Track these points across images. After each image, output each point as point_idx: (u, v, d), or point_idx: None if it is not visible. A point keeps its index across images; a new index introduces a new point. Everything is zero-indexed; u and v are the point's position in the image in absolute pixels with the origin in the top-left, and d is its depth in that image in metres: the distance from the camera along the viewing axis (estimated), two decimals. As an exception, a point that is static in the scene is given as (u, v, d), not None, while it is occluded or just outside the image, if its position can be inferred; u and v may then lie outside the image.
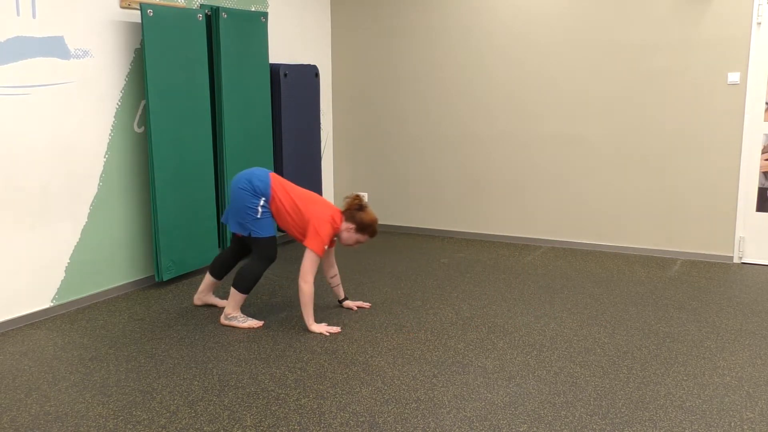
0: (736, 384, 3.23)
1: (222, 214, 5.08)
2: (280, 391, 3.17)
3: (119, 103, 4.56)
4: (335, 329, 3.91)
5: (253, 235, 3.93)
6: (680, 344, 3.72)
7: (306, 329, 3.91)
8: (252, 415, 2.96)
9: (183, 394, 3.16)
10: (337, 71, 6.61)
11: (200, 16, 4.83)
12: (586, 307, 4.33)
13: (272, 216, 3.97)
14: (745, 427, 2.84)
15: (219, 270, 4.27)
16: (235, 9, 5.17)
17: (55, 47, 4.13)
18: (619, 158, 5.59)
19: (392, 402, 3.07)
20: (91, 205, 4.43)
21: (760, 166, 5.16)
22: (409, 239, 6.25)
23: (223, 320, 4.04)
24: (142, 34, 4.45)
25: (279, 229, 4.15)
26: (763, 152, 5.14)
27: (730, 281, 4.87)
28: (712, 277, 4.95)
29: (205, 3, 5.08)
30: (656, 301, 4.43)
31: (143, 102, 4.69)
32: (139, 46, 4.64)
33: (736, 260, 5.33)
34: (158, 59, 4.54)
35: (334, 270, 4.23)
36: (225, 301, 4.27)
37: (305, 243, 3.84)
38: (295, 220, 3.90)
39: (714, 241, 5.38)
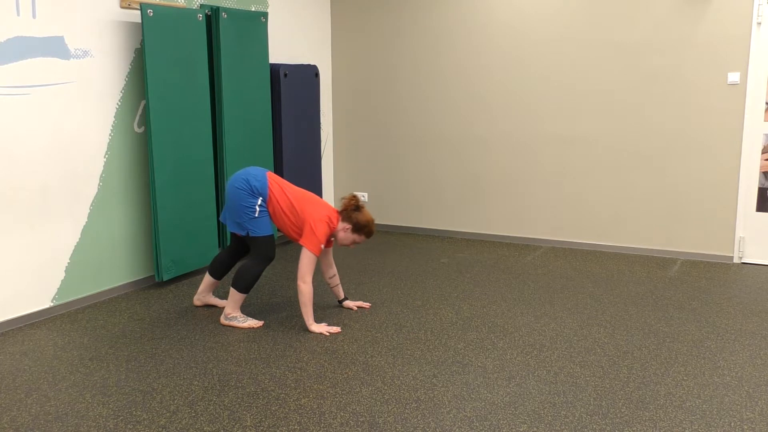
0: (736, 384, 3.23)
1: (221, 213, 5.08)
2: (280, 391, 3.17)
3: (119, 103, 4.56)
4: (335, 329, 3.91)
5: (251, 235, 3.93)
6: (680, 344, 3.72)
7: (306, 329, 3.91)
8: (252, 415, 2.96)
9: (183, 394, 3.16)
10: (337, 71, 6.61)
11: (200, 16, 4.83)
12: (586, 307, 4.33)
13: (270, 216, 3.97)
14: (745, 427, 2.84)
15: (218, 270, 4.27)
16: (235, 9, 5.17)
17: (55, 47, 4.13)
18: (619, 158, 5.59)
19: (392, 402, 3.07)
20: (91, 205, 4.43)
21: (760, 166, 5.16)
22: (409, 239, 6.25)
23: (223, 320, 4.04)
24: (142, 34, 4.45)
25: (276, 231, 4.15)
26: (763, 152, 5.14)
27: (730, 281, 4.88)
28: (712, 277, 4.95)
29: (205, 3, 5.08)
30: (656, 301, 4.43)
31: (143, 102, 4.69)
32: (139, 46, 4.65)
33: (736, 260, 5.33)
34: (158, 59, 4.54)
35: (333, 270, 4.23)
36: (225, 301, 4.27)
37: (302, 242, 3.84)
38: (292, 220, 3.90)
39: (714, 241, 5.38)
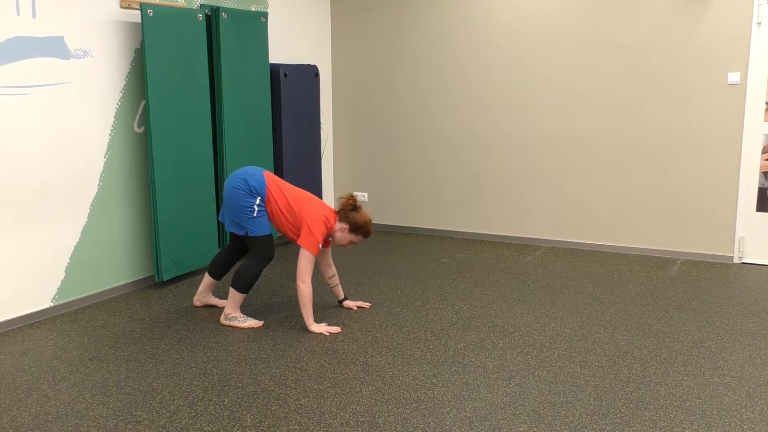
0: (736, 384, 3.23)
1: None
2: (280, 391, 3.17)
3: (119, 103, 4.56)
4: (335, 329, 3.91)
5: (250, 234, 3.93)
6: (680, 344, 3.72)
7: (306, 329, 3.91)
8: (252, 415, 2.96)
9: (183, 394, 3.16)
10: (337, 71, 6.61)
11: (200, 16, 4.83)
12: (586, 307, 4.33)
13: (268, 215, 3.97)
14: (745, 427, 2.84)
15: (217, 270, 4.26)
16: (235, 9, 5.17)
17: (55, 47, 4.13)
18: (619, 158, 5.59)
19: (392, 402, 3.07)
20: (91, 205, 4.43)
21: (760, 166, 5.16)
22: (409, 239, 6.25)
23: (223, 320, 4.04)
24: (142, 34, 4.45)
25: (276, 230, 4.15)
26: (763, 152, 5.14)
27: (730, 281, 4.88)
28: (712, 277, 4.95)
29: (205, 3, 5.08)
30: (656, 301, 4.43)
31: (143, 102, 4.69)
32: (139, 46, 4.64)
33: (736, 260, 5.33)
34: (158, 59, 4.54)
35: (332, 270, 4.23)
36: (225, 301, 4.27)
37: (299, 242, 3.84)
38: (290, 220, 3.90)
39: (714, 241, 5.38)
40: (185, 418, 2.94)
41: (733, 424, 2.86)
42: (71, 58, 4.23)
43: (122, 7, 4.48)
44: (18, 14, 3.91)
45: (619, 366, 3.44)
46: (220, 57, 5.01)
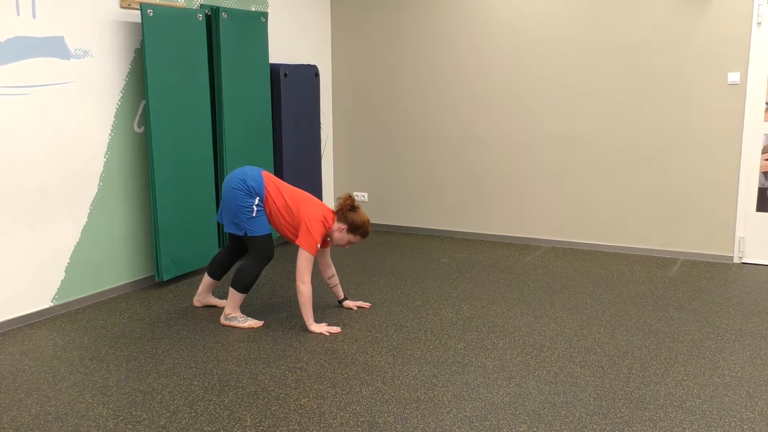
0: (736, 384, 3.23)
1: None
2: (280, 391, 3.17)
3: (119, 103, 4.56)
4: (335, 329, 3.91)
5: (249, 234, 3.93)
6: (680, 344, 3.72)
7: (306, 329, 3.91)
8: (252, 415, 2.96)
9: (183, 394, 3.16)
10: (337, 71, 6.61)
11: (200, 16, 4.83)
12: (586, 307, 4.33)
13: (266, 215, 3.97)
14: (745, 427, 2.84)
15: (216, 270, 4.26)
16: (235, 9, 5.17)
17: (55, 47, 4.13)
18: (619, 158, 5.59)
19: (392, 402, 3.07)
20: (91, 205, 4.43)
21: (760, 166, 5.16)
22: (409, 239, 6.25)
23: (223, 320, 4.04)
24: (142, 34, 4.45)
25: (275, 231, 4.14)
26: (763, 152, 5.14)
27: (730, 281, 4.87)
28: (712, 277, 4.95)
29: (205, 3, 5.08)
30: (656, 301, 4.43)
31: (143, 102, 4.69)
32: (139, 46, 4.65)
33: (736, 260, 5.33)
34: (158, 59, 4.54)
35: (332, 270, 4.22)
36: (224, 301, 4.27)
37: (298, 242, 3.84)
38: (288, 220, 3.90)
39: (714, 241, 5.38)
40: (185, 418, 2.94)
41: (733, 424, 2.86)
42: (71, 58, 4.23)
43: (122, 7, 4.48)
44: (18, 14, 3.91)
45: (619, 366, 3.44)
46: (220, 57, 5.01)
